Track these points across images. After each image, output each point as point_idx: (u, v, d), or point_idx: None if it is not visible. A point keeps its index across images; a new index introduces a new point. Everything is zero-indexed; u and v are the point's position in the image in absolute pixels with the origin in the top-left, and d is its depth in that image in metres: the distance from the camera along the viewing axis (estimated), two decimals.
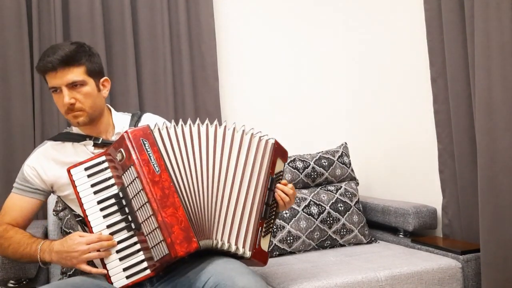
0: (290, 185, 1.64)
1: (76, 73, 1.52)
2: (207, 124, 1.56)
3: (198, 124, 1.56)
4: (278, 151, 1.64)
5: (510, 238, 1.84)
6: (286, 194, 1.62)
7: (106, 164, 1.50)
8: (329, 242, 2.33)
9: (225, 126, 1.57)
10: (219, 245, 1.49)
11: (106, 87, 1.64)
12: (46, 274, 2.04)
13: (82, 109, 1.54)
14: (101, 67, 1.62)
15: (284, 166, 1.70)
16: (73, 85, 1.52)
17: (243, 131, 1.59)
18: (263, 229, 1.58)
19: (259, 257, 1.56)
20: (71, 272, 1.95)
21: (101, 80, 1.62)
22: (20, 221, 1.60)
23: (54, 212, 2.08)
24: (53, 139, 1.67)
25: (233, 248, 1.51)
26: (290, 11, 2.93)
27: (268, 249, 1.62)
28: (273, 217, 1.64)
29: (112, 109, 1.72)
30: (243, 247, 1.52)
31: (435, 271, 1.92)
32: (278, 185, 1.62)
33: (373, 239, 2.40)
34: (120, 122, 1.67)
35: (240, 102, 2.81)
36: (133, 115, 1.73)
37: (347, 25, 2.99)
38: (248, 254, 1.52)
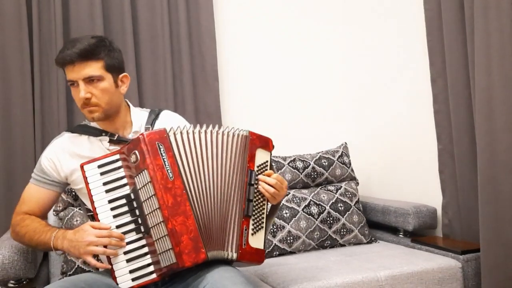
0: (275, 175, 1.56)
1: (94, 68, 1.50)
2: (222, 131, 1.53)
3: (222, 131, 1.53)
4: (256, 142, 1.57)
5: (510, 238, 1.84)
6: (272, 186, 1.55)
7: (119, 163, 1.48)
8: (329, 242, 2.33)
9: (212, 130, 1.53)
10: (223, 255, 1.46)
11: (125, 83, 1.61)
12: (46, 274, 2.04)
13: (98, 105, 1.52)
14: (121, 62, 1.59)
15: (270, 155, 1.62)
16: (90, 80, 1.50)
17: (217, 131, 1.53)
18: (250, 227, 1.51)
19: (249, 257, 1.50)
20: (71, 272, 1.95)
21: (120, 76, 1.59)
22: (37, 211, 1.62)
23: (54, 212, 2.07)
24: (70, 130, 1.66)
25: (225, 254, 1.47)
26: (289, 11, 2.93)
27: (264, 246, 1.56)
28: (262, 212, 1.57)
29: (131, 105, 1.69)
30: (229, 250, 1.47)
31: (435, 271, 1.92)
32: (260, 177, 1.55)
33: (373, 239, 2.40)
34: (137, 119, 1.65)
35: (240, 102, 2.81)
36: (151, 112, 1.70)
37: (347, 24, 2.99)
38: (234, 256, 1.47)
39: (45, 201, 1.63)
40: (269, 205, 1.64)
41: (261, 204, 1.57)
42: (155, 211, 1.40)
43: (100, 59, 1.51)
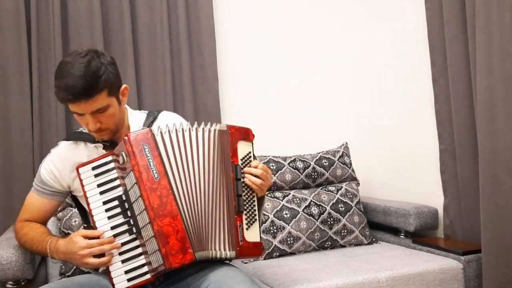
0: (260, 165, 1.53)
1: (99, 101, 1.43)
2: (202, 128, 1.51)
3: (203, 128, 1.50)
4: (236, 135, 1.52)
5: (511, 238, 1.83)
6: (258, 176, 1.51)
7: (112, 165, 1.47)
8: (329, 243, 2.31)
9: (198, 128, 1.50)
10: (216, 255, 1.45)
11: (125, 95, 1.57)
12: (44, 275, 2.03)
13: (107, 129, 1.51)
14: (117, 76, 1.51)
15: (252, 145, 1.57)
16: (97, 111, 1.45)
17: (196, 128, 1.49)
18: (244, 222, 1.49)
19: (247, 252, 1.48)
20: (69, 273, 1.94)
21: (121, 90, 1.53)
22: (39, 218, 1.64)
23: None
24: (66, 139, 1.65)
25: (218, 254, 1.45)
26: (290, 11, 2.92)
27: (260, 238, 1.52)
28: (253, 204, 1.53)
29: (128, 108, 1.66)
30: (226, 249, 1.45)
31: (436, 272, 1.91)
32: (245, 169, 1.51)
33: (374, 239, 2.39)
34: (135, 122, 1.64)
35: (240, 102, 2.79)
36: (149, 114, 1.67)
37: (348, 24, 2.98)
38: (232, 254, 1.46)
39: (47, 210, 1.64)
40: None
41: (251, 197, 1.54)
42: (143, 212, 1.39)
43: (102, 89, 1.43)
